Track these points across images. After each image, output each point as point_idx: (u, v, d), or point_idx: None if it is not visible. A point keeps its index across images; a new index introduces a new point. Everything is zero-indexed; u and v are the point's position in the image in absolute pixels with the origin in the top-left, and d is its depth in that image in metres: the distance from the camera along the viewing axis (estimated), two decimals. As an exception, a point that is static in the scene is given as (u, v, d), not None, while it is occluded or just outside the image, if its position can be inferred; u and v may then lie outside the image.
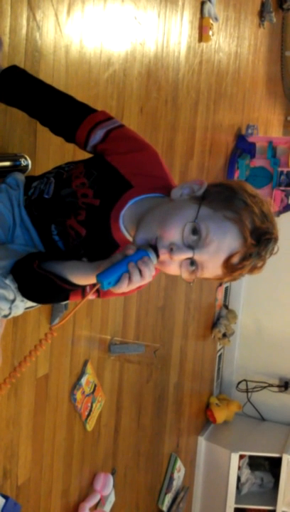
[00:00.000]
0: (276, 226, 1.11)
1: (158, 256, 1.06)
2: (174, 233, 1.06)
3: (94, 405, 2.24)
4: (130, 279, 1.03)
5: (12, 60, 1.40)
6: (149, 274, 1.04)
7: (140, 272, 1.03)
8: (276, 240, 1.10)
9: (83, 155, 1.29)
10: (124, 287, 1.03)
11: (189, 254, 1.06)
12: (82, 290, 1.17)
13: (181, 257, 1.07)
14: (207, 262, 1.07)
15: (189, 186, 1.13)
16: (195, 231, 1.06)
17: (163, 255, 1.06)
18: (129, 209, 1.14)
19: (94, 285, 1.10)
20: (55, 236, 1.17)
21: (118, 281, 1.03)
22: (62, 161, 1.47)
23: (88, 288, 1.15)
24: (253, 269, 1.11)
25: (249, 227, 1.06)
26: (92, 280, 1.07)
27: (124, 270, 1.02)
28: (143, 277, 1.03)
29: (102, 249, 1.13)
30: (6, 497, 1.67)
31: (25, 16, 1.44)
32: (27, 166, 1.39)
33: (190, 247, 1.06)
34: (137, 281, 1.03)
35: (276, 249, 1.11)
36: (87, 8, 1.74)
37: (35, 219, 1.20)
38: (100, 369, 2.29)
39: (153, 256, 1.04)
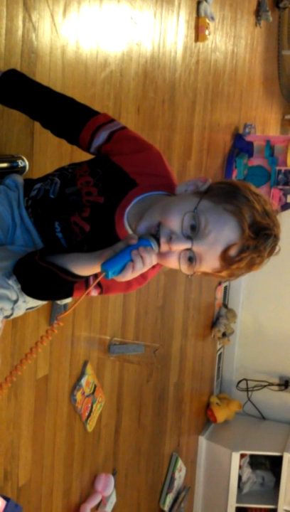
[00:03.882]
0: (279, 226, 1.11)
1: (159, 244, 1.07)
2: (174, 222, 1.07)
3: (94, 406, 2.24)
4: (134, 267, 1.04)
5: (8, 61, 1.40)
6: (150, 261, 1.06)
7: (142, 259, 1.05)
8: (276, 237, 1.10)
9: (80, 156, 1.29)
10: (128, 276, 1.05)
11: (187, 245, 1.07)
12: (85, 285, 1.17)
13: (180, 247, 1.08)
14: (205, 254, 1.08)
15: (194, 183, 1.15)
16: (194, 222, 1.07)
17: (163, 244, 1.07)
18: (132, 207, 1.16)
19: (95, 275, 1.10)
20: (58, 233, 1.18)
21: (122, 269, 1.04)
22: (59, 162, 1.47)
23: (91, 280, 1.16)
24: (251, 266, 1.10)
25: (248, 220, 1.07)
26: (95, 270, 1.08)
27: (128, 259, 1.04)
28: (144, 265, 1.05)
29: (105, 245, 1.13)
30: (7, 499, 1.67)
31: (20, 17, 1.44)
32: (24, 167, 1.39)
33: (189, 238, 1.07)
34: (140, 269, 1.05)
35: (277, 249, 1.11)
36: (82, 9, 1.74)
37: (39, 218, 1.20)
38: (100, 369, 2.29)
39: (154, 245, 1.06)
